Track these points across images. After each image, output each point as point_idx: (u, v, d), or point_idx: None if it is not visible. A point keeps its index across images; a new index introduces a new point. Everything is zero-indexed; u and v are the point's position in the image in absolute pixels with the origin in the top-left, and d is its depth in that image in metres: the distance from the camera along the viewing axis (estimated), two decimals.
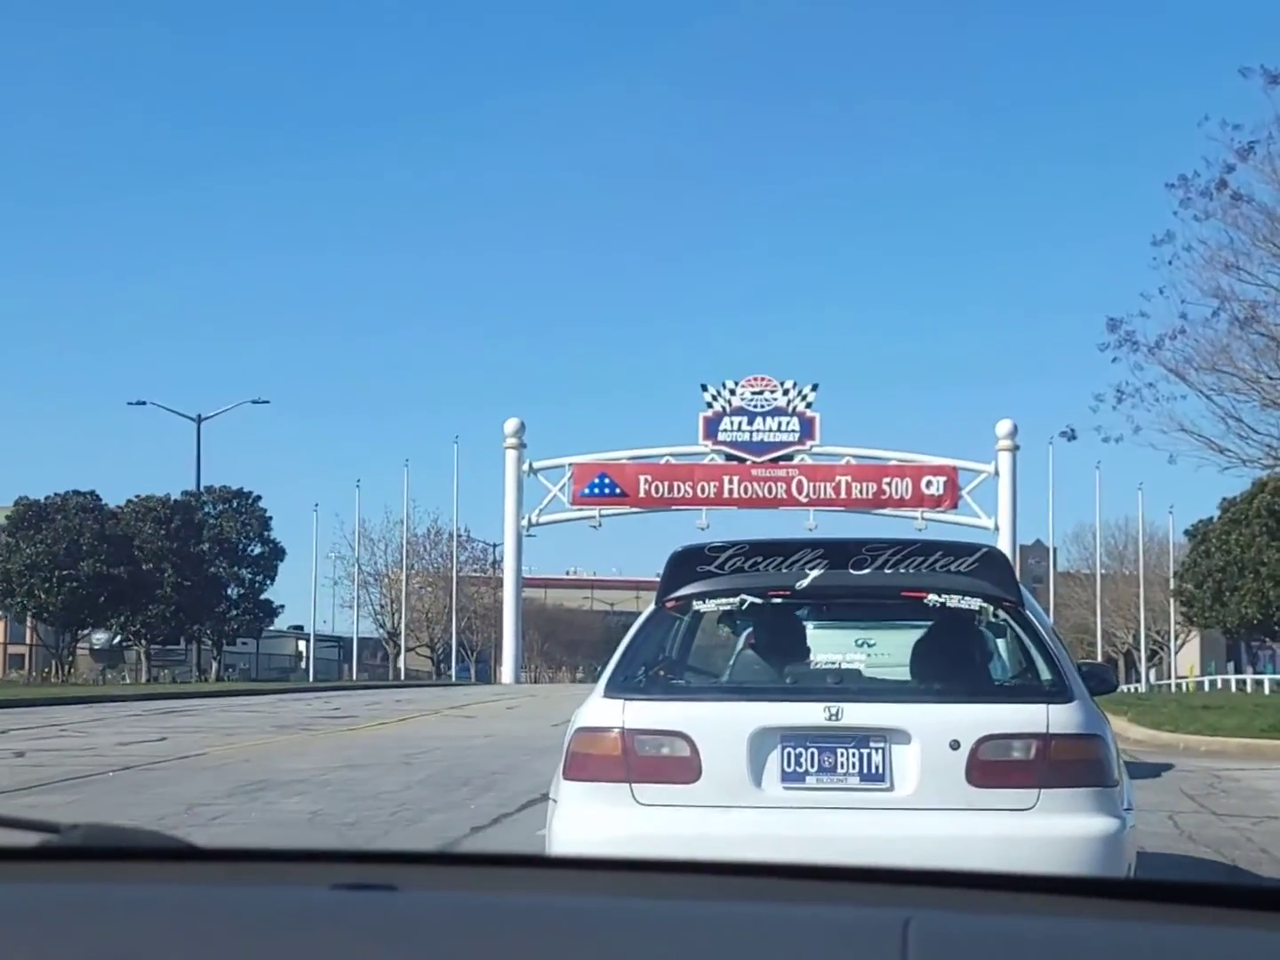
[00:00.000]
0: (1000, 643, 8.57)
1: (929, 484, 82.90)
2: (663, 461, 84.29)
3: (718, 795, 7.45)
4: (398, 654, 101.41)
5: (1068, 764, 7.35)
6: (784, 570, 8.12)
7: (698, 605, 8.31)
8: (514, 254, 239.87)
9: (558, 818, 7.69)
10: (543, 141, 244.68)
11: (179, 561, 66.84)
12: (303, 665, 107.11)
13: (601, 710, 7.71)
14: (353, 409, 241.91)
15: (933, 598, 7.98)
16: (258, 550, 73.35)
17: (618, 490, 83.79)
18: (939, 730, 7.41)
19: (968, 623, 8.08)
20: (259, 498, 74.32)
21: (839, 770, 7.50)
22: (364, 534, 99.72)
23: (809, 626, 8.73)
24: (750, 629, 8.73)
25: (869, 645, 9.32)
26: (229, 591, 72.41)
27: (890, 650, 9.02)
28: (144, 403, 75.89)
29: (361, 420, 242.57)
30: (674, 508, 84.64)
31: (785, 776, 7.51)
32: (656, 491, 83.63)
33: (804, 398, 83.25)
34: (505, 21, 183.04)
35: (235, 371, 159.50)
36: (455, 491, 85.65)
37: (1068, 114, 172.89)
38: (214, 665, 74.16)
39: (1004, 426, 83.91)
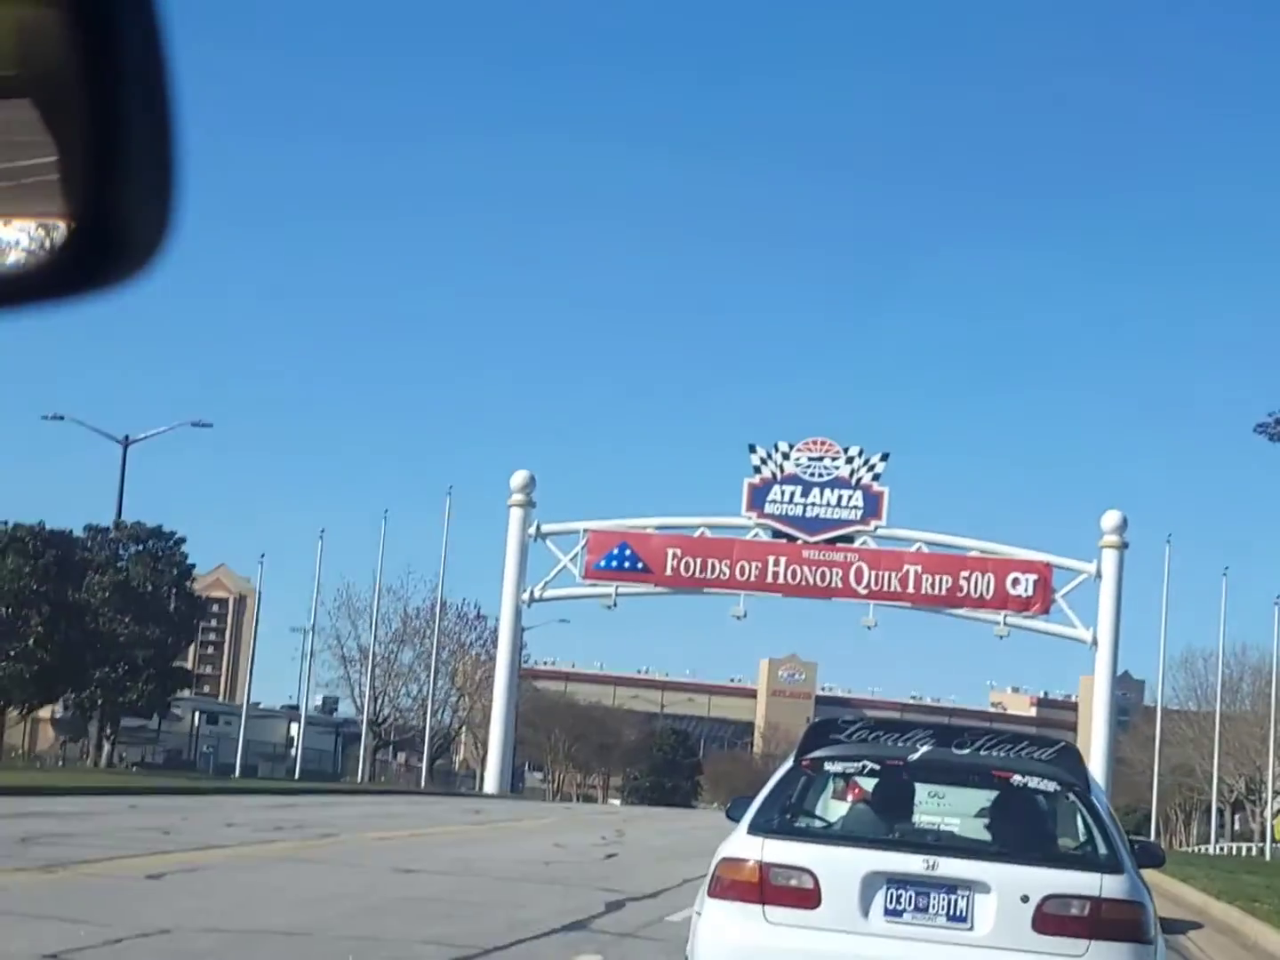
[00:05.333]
0: (1068, 819, 10.30)
1: (1016, 582, 70.27)
2: (697, 534, 71.94)
3: (833, 921, 9.30)
4: (378, 747, 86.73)
5: (1114, 923, 9.23)
6: (900, 744, 10.14)
7: (828, 766, 10.29)
8: (531, 286, 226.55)
9: (702, 926, 9.64)
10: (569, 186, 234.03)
11: (50, 609, 52.54)
12: (293, 754, 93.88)
13: (745, 845, 9.56)
14: (329, 449, 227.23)
15: (1017, 778, 9.94)
16: (172, 605, 58.97)
17: (640, 565, 70.76)
18: (1014, 886, 9.30)
19: (1043, 801, 10.12)
20: (180, 540, 60.32)
21: (931, 910, 9.36)
22: (349, 602, 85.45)
23: (918, 788, 10.69)
24: (859, 786, 11.18)
25: (957, 806, 11.64)
26: (135, 655, 57.97)
27: (975, 811, 11.04)
28: (61, 418, 61.90)
29: (338, 462, 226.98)
30: (706, 590, 72.47)
31: (888, 912, 9.36)
32: (686, 569, 70.52)
33: (871, 468, 69.69)
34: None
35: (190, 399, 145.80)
36: (444, 549, 71.71)
37: None
38: (106, 747, 59.84)
39: (1111, 519, 70.02)
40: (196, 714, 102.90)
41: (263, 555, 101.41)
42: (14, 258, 2.16)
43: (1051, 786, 9.92)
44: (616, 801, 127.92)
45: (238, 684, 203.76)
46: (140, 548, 60.18)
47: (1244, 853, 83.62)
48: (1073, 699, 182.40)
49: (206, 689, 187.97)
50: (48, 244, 2.15)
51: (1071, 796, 9.92)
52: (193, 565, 61.18)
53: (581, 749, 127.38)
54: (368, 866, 18.87)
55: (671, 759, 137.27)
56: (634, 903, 17.37)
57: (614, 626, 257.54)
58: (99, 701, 58.93)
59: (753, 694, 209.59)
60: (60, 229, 2.12)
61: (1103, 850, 9.50)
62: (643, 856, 24.93)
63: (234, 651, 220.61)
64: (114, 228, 2.08)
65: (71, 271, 2.13)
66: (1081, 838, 9.87)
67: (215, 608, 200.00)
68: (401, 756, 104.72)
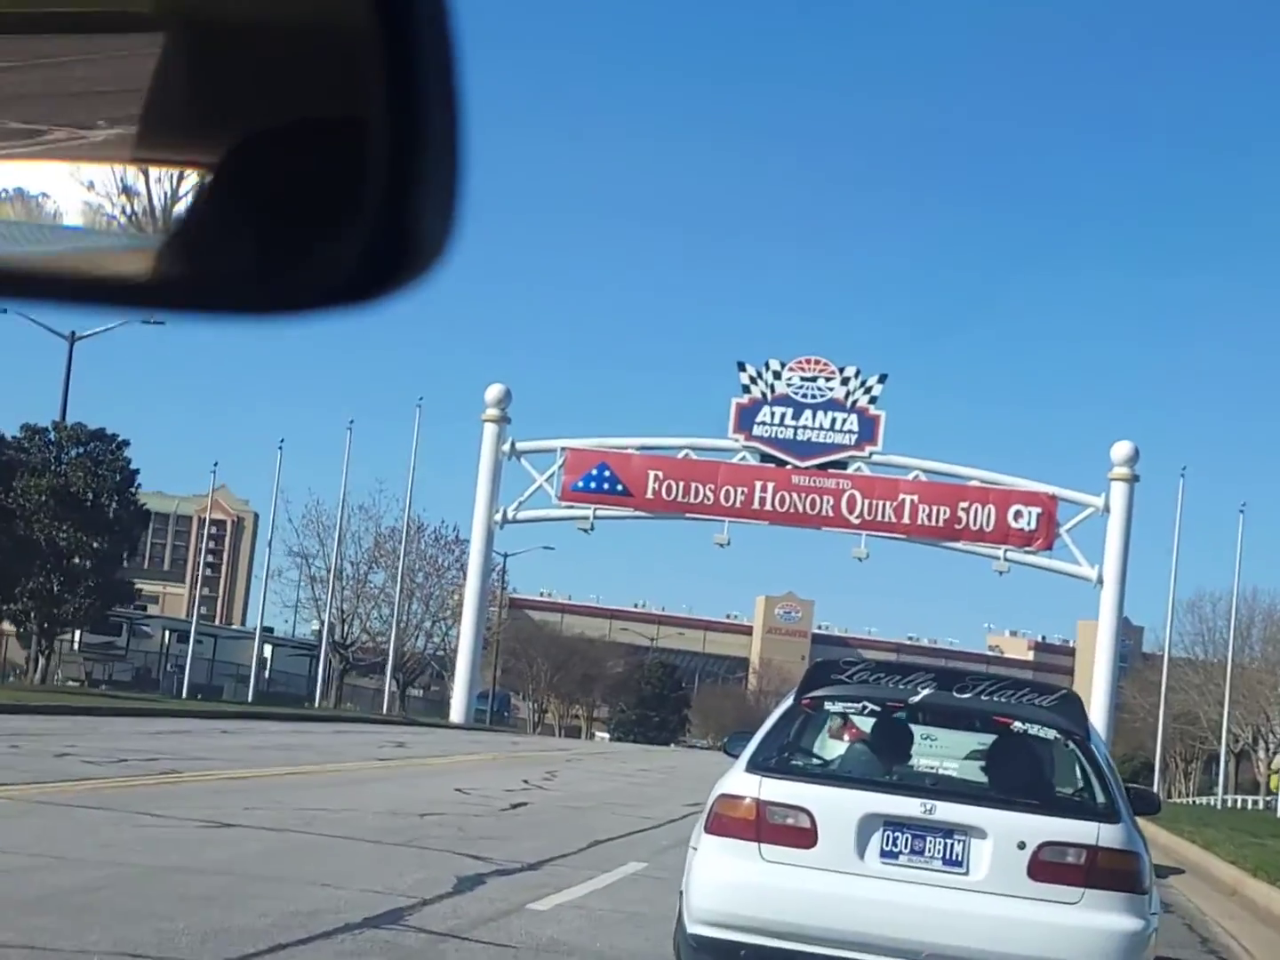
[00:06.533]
0: (1067, 767, 10.19)
1: (1019, 515, 66.04)
2: (680, 455, 67.84)
3: (828, 861, 9.25)
4: (345, 670, 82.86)
5: (1109, 871, 9.18)
6: (901, 686, 10.01)
7: (829, 706, 10.18)
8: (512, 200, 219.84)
9: (697, 862, 9.52)
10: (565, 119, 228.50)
11: None
12: (266, 675, 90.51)
13: (742, 782, 9.49)
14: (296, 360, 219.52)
15: (1018, 724, 9.84)
16: (114, 513, 54.82)
17: (619, 487, 66.76)
18: (1010, 832, 9.25)
19: (1043, 748, 10.04)
20: (124, 443, 56.13)
21: (926, 854, 9.30)
22: (317, 519, 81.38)
23: (917, 731, 10.70)
24: (855, 726, 10.86)
25: (955, 750, 11.75)
26: (74, 562, 53.90)
27: (970, 752, 11.29)
28: (4, 310, 57.44)
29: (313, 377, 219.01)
30: (688, 515, 68.46)
31: (883, 854, 9.30)
32: (669, 493, 66.51)
33: (867, 390, 65.66)
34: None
35: None
36: (413, 464, 67.60)
37: None
38: (40, 661, 55.81)
39: (1121, 449, 65.91)
40: (166, 632, 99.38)
41: (215, 464, 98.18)
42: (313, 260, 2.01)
43: (1051, 734, 9.91)
44: (604, 735, 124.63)
45: (233, 607, 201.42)
46: (80, 450, 56.04)
47: (1244, 805, 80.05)
48: (1071, 644, 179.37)
49: (204, 610, 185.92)
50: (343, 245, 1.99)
51: (1071, 744, 9.87)
52: (136, 470, 56.77)
53: (564, 680, 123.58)
54: (168, 818, 14.73)
55: (659, 693, 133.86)
56: (500, 878, 13.30)
57: (609, 559, 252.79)
58: (31, 614, 54.92)
59: (748, 631, 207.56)
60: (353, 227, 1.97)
61: (1100, 799, 9.49)
62: (558, 809, 20.84)
63: (231, 573, 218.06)
64: (407, 224, 1.96)
65: (361, 275, 2.00)
66: (1080, 786, 9.83)
67: (214, 529, 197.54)
68: (395, 683, 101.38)
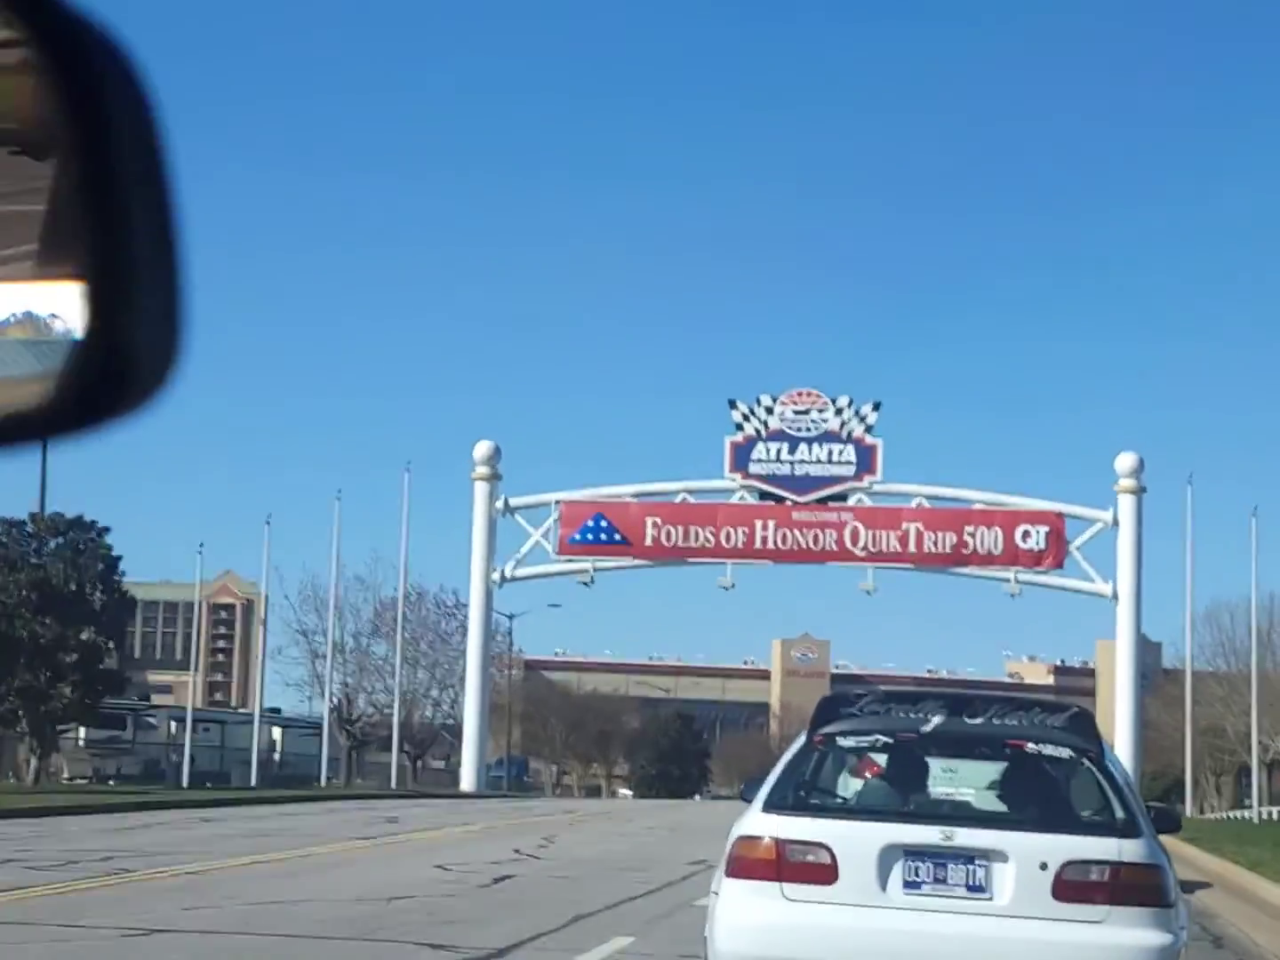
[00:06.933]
0: (1083, 785, 9.92)
1: (1026, 535, 64.67)
2: (677, 500, 66.48)
3: (851, 896, 9.13)
4: (354, 746, 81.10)
5: (1134, 887, 9.05)
6: (912, 716, 9.87)
7: (841, 741, 9.91)
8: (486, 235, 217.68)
9: (720, 906, 9.37)
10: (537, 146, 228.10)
11: None
12: (276, 758, 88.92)
13: (760, 823, 9.38)
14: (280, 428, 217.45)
15: (1031, 746, 9.70)
16: (99, 602, 53.29)
17: (617, 536, 65.38)
18: (1032, 854, 9.12)
19: (1058, 768, 9.84)
20: (104, 530, 54.58)
21: (949, 881, 9.19)
22: (314, 594, 79.69)
23: (930, 759, 10.33)
24: (874, 760, 10.48)
25: (971, 776, 11.09)
26: (59, 657, 52.30)
27: (990, 780, 10.56)
28: None
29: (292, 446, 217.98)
30: (690, 560, 67.04)
31: (906, 884, 9.18)
32: (668, 539, 65.10)
33: (862, 420, 64.28)
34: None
35: None
36: (405, 529, 65.76)
37: None
38: (30, 763, 54.24)
39: (1126, 461, 64.53)
40: (171, 722, 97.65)
41: (200, 545, 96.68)
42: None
43: (1066, 753, 9.73)
44: (627, 792, 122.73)
45: (249, 691, 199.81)
46: (60, 540, 54.57)
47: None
48: (1090, 665, 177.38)
49: (218, 696, 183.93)
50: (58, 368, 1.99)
51: (1086, 762, 9.72)
52: (119, 557, 55.36)
53: (580, 739, 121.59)
54: (89, 929, 13.04)
55: (678, 745, 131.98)
56: None
57: (621, 613, 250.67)
58: (19, 712, 53.33)
59: (767, 675, 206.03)
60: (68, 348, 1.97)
61: (1120, 815, 9.37)
62: (547, 880, 19.16)
63: (246, 657, 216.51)
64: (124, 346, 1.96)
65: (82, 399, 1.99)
66: (1098, 803, 9.64)
67: (223, 614, 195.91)
68: (406, 756, 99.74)
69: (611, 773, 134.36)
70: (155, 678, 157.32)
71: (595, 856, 23.38)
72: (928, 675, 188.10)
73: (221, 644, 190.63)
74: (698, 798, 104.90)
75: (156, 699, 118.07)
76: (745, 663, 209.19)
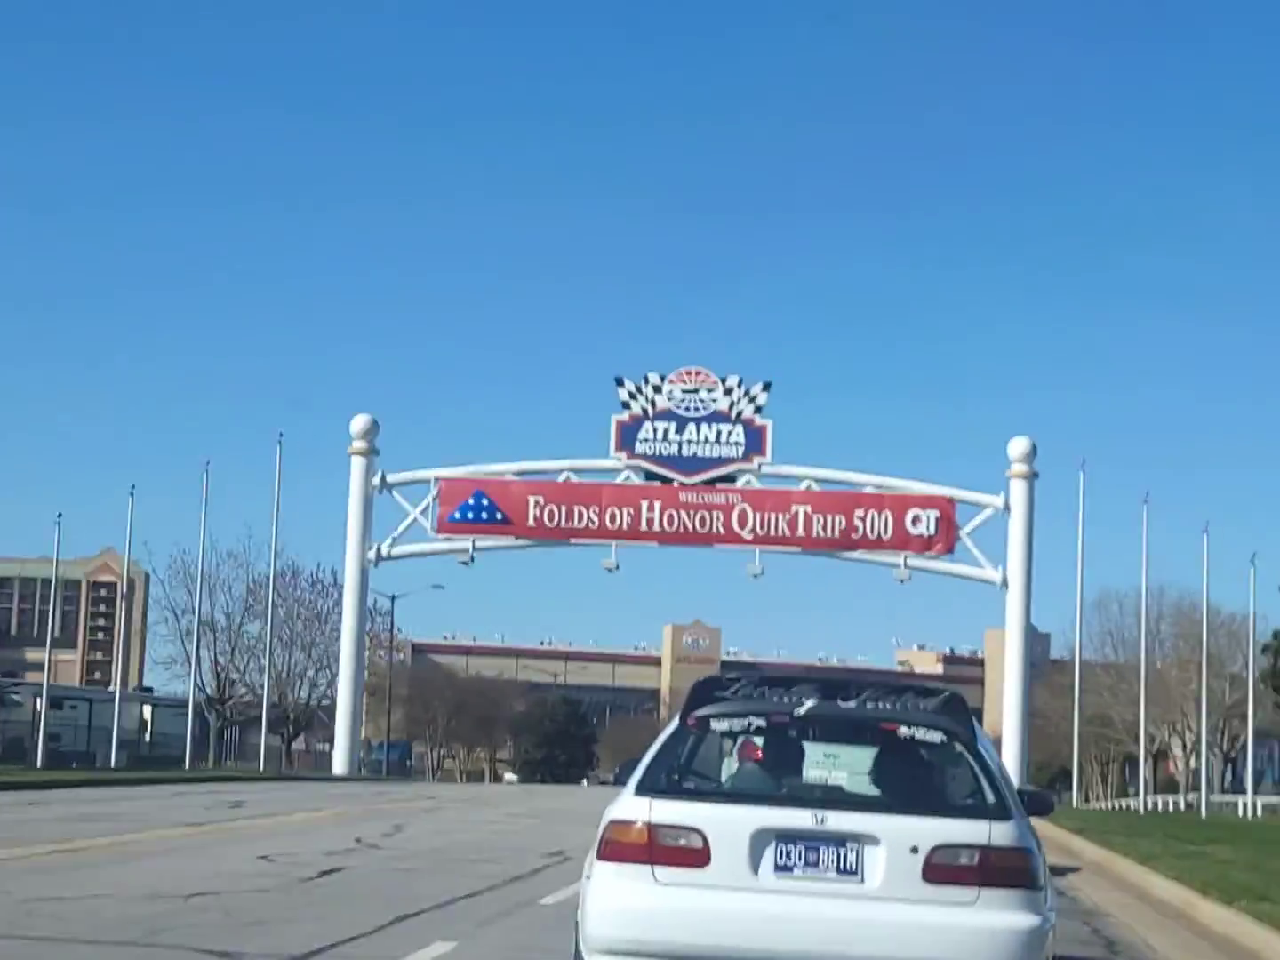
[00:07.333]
0: (955, 769, 9.84)
1: (916, 520, 63.59)
2: (561, 479, 64.91)
3: (722, 879, 9.09)
4: (224, 726, 78.88)
5: (1003, 870, 9.10)
6: (785, 699, 9.81)
7: (714, 725, 9.81)
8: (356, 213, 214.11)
9: (591, 890, 9.26)
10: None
11: None
12: (147, 739, 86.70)
13: (632, 806, 9.29)
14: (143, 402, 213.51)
15: (904, 730, 9.63)
16: None
17: (499, 515, 63.81)
18: (902, 837, 9.12)
19: (930, 751, 9.75)
20: None
21: (821, 865, 9.16)
22: (184, 570, 77.35)
23: (804, 742, 10.23)
24: (748, 743, 10.43)
25: (844, 760, 10.75)
26: None
27: (863, 764, 10.36)
28: None
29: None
30: (574, 541, 65.51)
31: (777, 868, 9.15)
32: (551, 519, 63.57)
33: (752, 400, 63.06)
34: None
35: None
36: (276, 504, 63.20)
37: None
38: None
39: (1018, 446, 63.62)
40: (37, 699, 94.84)
41: (59, 514, 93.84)
42: None
43: (938, 737, 9.64)
44: (512, 777, 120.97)
45: (129, 670, 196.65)
46: None
47: (1165, 807, 77.70)
48: (980, 654, 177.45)
49: (98, 675, 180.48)
50: None
51: (958, 746, 9.66)
52: None
53: (463, 723, 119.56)
54: None
55: (564, 730, 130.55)
56: None
57: (512, 597, 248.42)
58: None
59: (658, 661, 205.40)
60: None
61: (990, 799, 9.39)
62: (381, 873, 17.34)
63: (126, 636, 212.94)
64: None
65: None
66: (969, 787, 9.58)
67: (104, 591, 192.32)
68: (280, 737, 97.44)
69: (495, 757, 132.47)
70: (34, 656, 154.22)
71: (442, 846, 21.57)
72: (819, 663, 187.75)
73: (102, 622, 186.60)
74: (585, 783, 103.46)
75: (31, 677, 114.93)
76: (636, 649, 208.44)
